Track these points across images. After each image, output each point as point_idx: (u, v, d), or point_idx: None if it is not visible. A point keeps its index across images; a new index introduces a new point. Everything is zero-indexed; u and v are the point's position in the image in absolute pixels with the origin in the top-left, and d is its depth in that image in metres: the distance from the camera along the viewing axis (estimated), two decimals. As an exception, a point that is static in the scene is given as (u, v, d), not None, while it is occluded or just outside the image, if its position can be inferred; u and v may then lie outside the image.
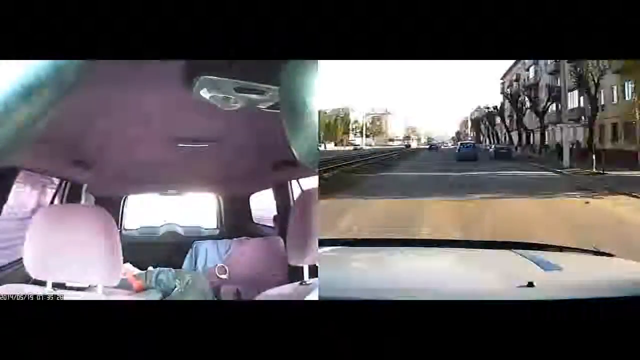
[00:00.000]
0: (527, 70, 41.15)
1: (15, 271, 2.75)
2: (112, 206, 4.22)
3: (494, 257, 1.88)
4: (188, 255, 4.04)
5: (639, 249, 4.87)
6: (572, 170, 16.64)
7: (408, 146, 68.97)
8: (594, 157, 15.78)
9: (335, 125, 75.26)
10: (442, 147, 62.25)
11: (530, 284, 1.28)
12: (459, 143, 40.82)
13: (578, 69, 23.35)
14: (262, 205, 4.66)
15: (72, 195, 3.66)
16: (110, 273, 1.91)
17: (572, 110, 27.84)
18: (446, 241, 2.18)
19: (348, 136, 79.38)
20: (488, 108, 56.26)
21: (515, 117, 40.86)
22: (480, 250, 1.98)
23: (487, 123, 54.14)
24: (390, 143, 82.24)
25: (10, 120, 0.62)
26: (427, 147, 58.97)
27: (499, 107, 48.83)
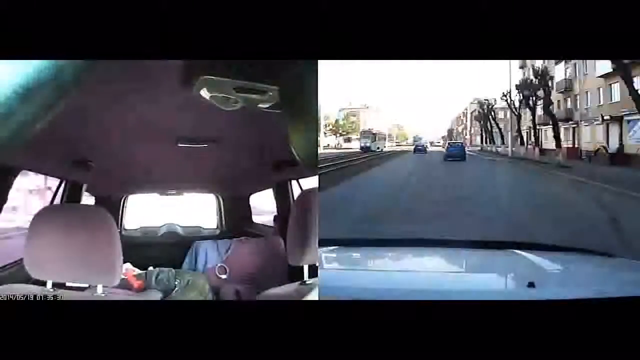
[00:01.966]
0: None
1: (15, 271, 2.75)
2: (112, 206, 4.22)
3: (494, 257, 1.88)
4: (188, 255, 4.03)
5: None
6: None
7: (366, 149, 37.62)
8: None
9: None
10: (431, 147, 44.97)
11: (531, 284, 1.28)
12: (447, 143, 33.25)
13: None
14: (262, 205, 4.66)
15: (72, 195, 3.66)
16: (110, 273, 1.91)
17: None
18: (446, 241, 2.18)
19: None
20: (487, 100, 37.72)
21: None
22: (481, 250, 1.98)
23: (510, 114, 31.59)
24: (347, 145, 52.56)
25: (10, 120, 0.62)
26: (413, 148, 40.87)
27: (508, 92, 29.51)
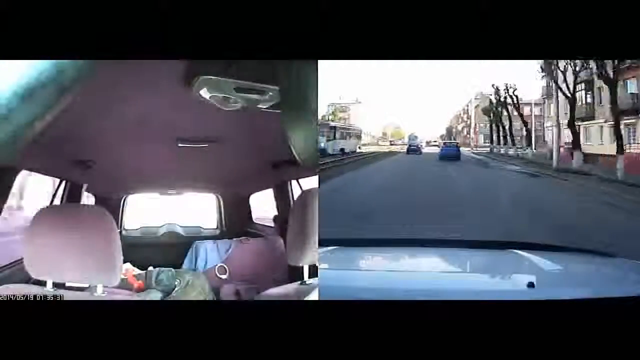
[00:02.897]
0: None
1: (15, 271, 2.75)
2: (112, 206, 4.22)
3: (494, 257, 1.88)
4: (188, 255, 4.04)
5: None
6: None
7: (320, 152, 20.16)
8: None
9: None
10: (427, 148, 37.03)
11: (530, 284, 1.28)
12: (442, 143, 29.66)
13: None
14: (262, 205, 4.66)
15: (72, 195, 3.66)
16: (110, 273, 1.91)
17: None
18: (446, 241, 2.18)
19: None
20: (506, 85, 25.70)
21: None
22: (480, 250, 1.98)
23: (554, 98, 18.45)
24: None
25: (11, 120, 0.62)
26: (406, 148, 33.35)
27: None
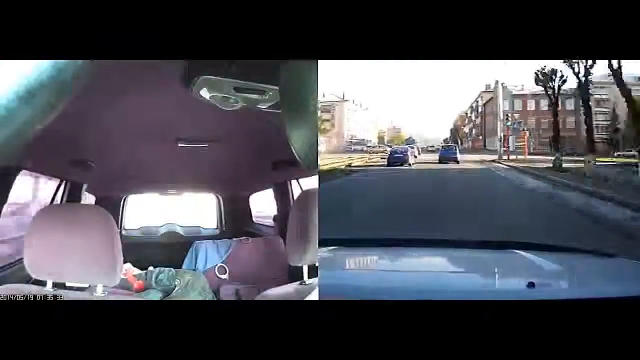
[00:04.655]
0: None
1: (15, 271, 2.75)
2: (112, 206, 4.22)
3: (494, 257, 1.88)
4: (188, 255, 4.03)
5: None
6: None
7: None
8: None
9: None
10: (423, 156, 26.25)
11: (531, 284, 1.28)
12: (441, 146, 29.22)
13: None
14: (262, 205, 4.66)
15: (72, 195, 3.66)
16: (110, 273, 1.91)
17: None
18: (446, 241, 2.18)
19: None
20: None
21: None
22: (481, 250, 1.98)
23: None
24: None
25: (11, 120, 0.62)
26: (387, 157, 22.35)
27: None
